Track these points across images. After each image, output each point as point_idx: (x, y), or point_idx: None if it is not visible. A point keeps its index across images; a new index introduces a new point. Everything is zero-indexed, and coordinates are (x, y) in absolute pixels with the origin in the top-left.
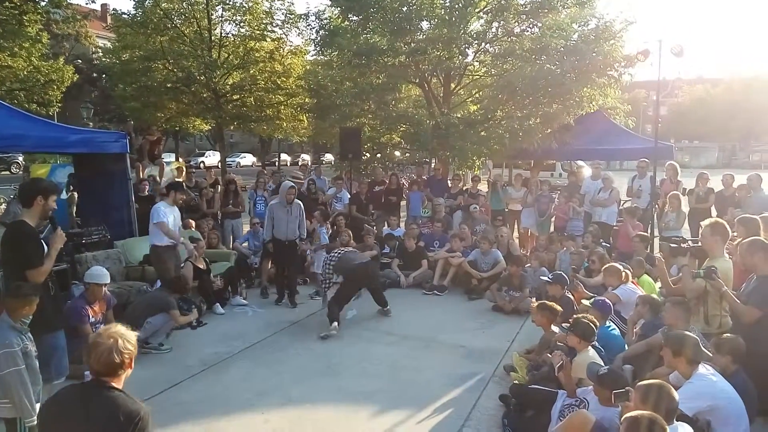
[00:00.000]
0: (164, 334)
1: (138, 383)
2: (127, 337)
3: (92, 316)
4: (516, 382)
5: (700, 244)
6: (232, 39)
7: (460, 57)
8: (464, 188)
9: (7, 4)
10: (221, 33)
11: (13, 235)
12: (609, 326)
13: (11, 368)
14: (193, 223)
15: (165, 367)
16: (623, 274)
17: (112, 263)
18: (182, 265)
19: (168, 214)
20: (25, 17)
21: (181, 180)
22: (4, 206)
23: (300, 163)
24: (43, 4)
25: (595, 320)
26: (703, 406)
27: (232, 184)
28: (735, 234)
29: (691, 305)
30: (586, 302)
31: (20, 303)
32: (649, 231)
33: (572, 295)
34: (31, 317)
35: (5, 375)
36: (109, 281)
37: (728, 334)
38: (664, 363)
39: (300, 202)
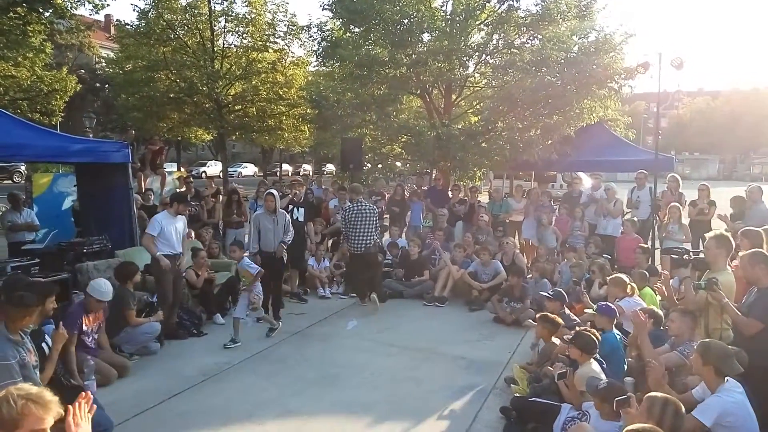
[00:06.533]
0: (147, 341)
1: (137, 394)
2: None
3: (86, 326)
4: (517, 394)
5: (702, 255)
6: (235, 50)
7: (461, 69)
8: (464, 197)
9: (11, 14)
10: (224, 44)
11: None
12: (617, 334)
13: (6, 381)
14: (192, 233)
15: (164, 378)
16: (629, 287)
17: (113, 272)
18: (183, 273)
19: (167, 225)
20: (29, 27)
21: (183, 191)
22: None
23: (301, 173)
24: (47, 14)
25: (597, 334)
26: (724, 420)
27: (235, 194)
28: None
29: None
30: (590, 310)
31: (20, 312)
32: (649, 243)
33: (573, 307)
34: (31, 327)
35: (1, 387)
36: (110, 298)
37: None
38: (693, 370)
39: (285, 212)
